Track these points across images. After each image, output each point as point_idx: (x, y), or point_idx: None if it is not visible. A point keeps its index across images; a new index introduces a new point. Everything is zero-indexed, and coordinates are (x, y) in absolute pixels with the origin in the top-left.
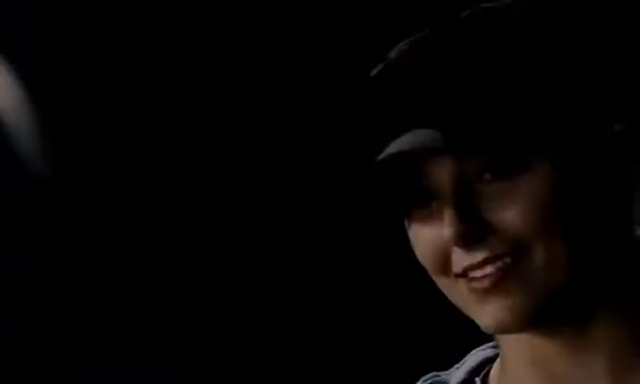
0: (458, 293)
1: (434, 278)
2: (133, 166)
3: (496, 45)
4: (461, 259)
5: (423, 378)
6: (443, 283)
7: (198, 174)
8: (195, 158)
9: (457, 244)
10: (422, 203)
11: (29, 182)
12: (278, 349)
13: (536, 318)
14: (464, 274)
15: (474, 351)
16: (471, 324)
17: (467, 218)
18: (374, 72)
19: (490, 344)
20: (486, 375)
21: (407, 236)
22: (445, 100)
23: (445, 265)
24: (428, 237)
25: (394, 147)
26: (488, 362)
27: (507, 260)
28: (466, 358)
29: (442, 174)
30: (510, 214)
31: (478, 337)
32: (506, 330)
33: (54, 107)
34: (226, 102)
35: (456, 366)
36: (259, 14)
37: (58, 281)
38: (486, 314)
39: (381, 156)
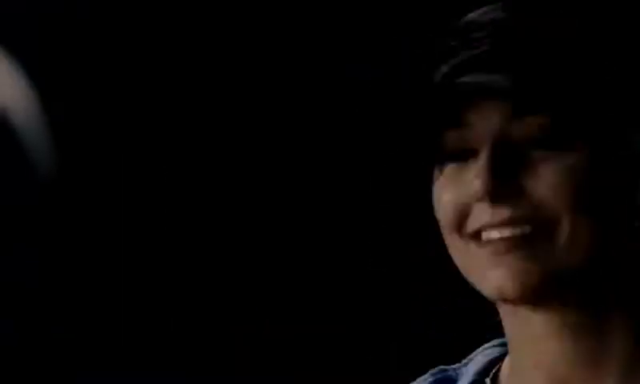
0: (467, 256)
1: (448, 236)
2: (133, 166)
3: (578, 17)
4: (481, 214)
5: (431, 372)
6: (454, 244)
7: (198, 174)
8: (195, 158)
9: (484, 195)
10: (457, 156)
11: (31, 182)
12: (278, 349)
13: (540, 295)
14: (478, 235)
15: (481, 348)
16: (472, 326)
17: (501, 173)
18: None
19: (497, 342)
20: (496, 375)
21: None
22: (517, 52)
23: (461, 222)
24: (453, 190)
25: (451, 70)
26: (498, 360)
27: (527, 229)
28: (472, 356)
29: (486, 124)
30: (544, 183)
31: (480, 339)
32: (507, 298)
33: (54, 107)
34: (227, 102)
35: (464, 361)
36: (259, 14)
37: (59, 281)
38: (491, 278)
39: (437, 76)
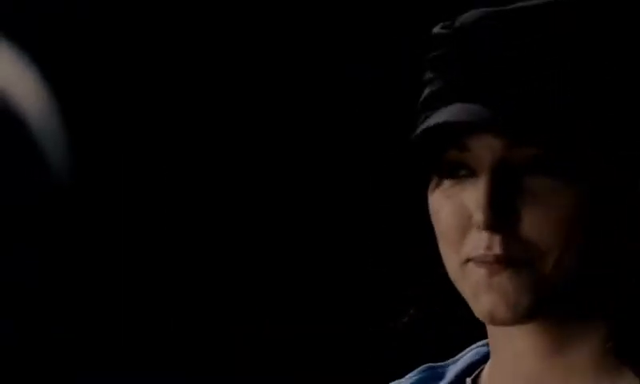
0: (462, 274)
1: (445, 251)
2: (133, 166)
3: (568, 38)
4: (479, 242)
5: (418, 369)
6: (452, 260)
7: (198, 174)
8: (195, 158)
9: (484, 228)
10: (455, 172)
11: (31, 183)
12: (278, 349)
13: (528, 318)
14: (473, 259)
15: (473, 346)
16: (471, 326)
17: (501, 206)
18: (439, 30)
19: (486, 341)
20: (479, 375)
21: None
22: (507, 79)
23: (460, 241)
24: (452, 212)
25: (448, 115)
26: (484, 359)
27: (519, 257)
28: (463, 353)
29: (486, 149)
30: (541, 221)
31: (480, 339)
32: (497, 322)
33: (54, 108)
34: (227, 102)
35: (453, 359)
36: (259, 14)
37: (59, 281)
38: (484, 302)
39: (432, 121)
